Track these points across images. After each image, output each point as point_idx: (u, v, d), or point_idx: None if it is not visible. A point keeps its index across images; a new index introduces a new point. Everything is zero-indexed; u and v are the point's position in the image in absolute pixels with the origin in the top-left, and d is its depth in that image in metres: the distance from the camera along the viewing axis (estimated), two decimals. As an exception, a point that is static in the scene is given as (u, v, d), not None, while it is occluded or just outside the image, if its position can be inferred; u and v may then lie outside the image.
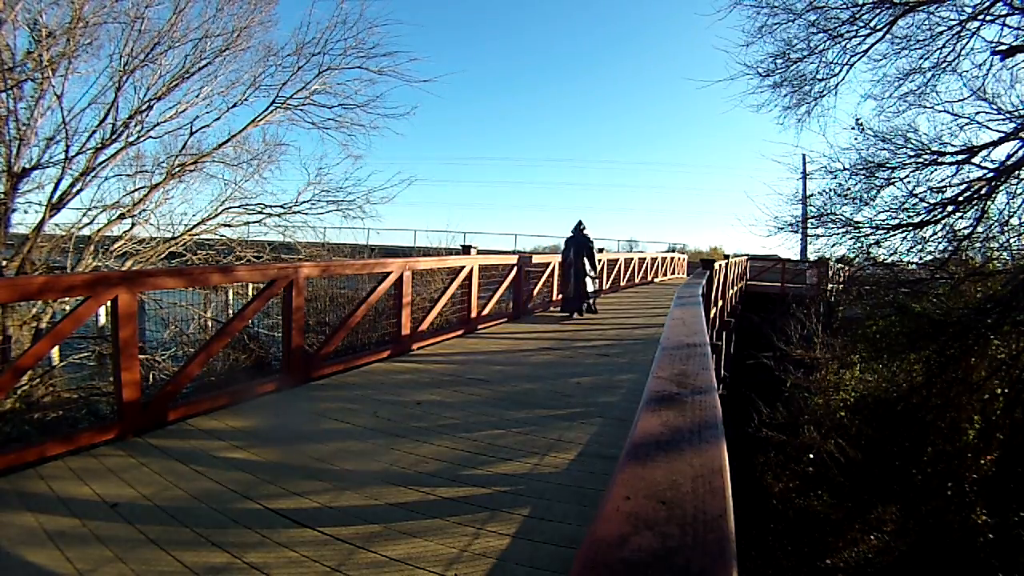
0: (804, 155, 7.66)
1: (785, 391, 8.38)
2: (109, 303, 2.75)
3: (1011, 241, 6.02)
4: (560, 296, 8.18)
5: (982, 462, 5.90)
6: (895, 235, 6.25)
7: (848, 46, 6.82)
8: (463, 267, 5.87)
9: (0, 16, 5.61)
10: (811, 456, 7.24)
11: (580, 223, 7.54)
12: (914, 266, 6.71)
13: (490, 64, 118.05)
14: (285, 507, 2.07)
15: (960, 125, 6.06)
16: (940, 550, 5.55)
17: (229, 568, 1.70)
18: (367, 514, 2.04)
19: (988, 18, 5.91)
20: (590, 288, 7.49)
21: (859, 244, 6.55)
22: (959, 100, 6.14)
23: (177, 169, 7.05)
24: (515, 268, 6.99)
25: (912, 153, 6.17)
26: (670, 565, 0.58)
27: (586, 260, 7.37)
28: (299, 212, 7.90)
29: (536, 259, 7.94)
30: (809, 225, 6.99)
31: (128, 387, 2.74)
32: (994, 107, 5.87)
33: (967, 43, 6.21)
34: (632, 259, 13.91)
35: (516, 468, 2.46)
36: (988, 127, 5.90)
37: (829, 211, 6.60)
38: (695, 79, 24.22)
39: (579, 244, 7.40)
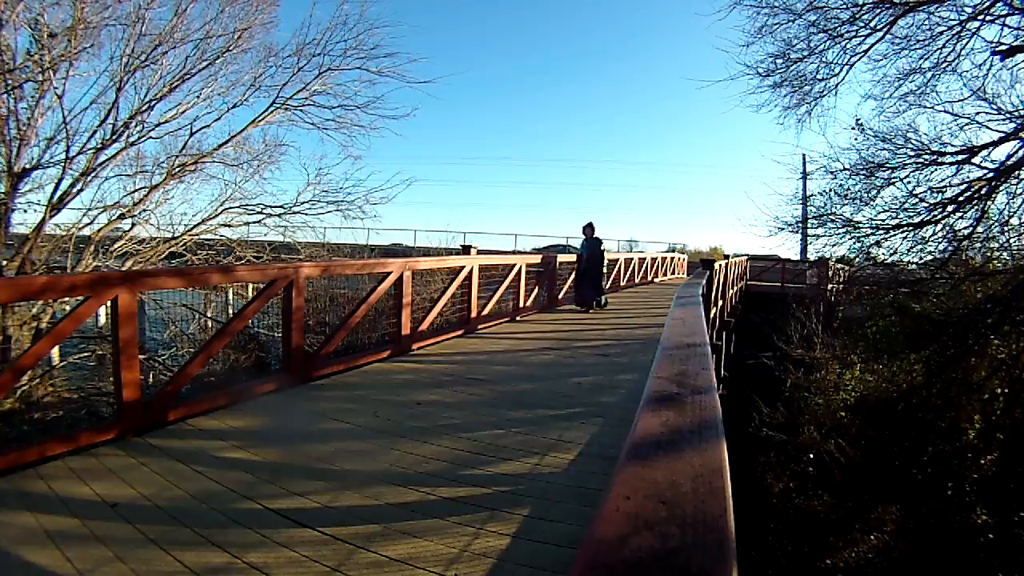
0: (804, 155, 7.71)
1: (785, 391, 8.38)
2: (109, 303, 2.74)
3: (1011, 241, 6.03)
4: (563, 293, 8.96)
5: (982, 462, 5.91)
6: (895, 235, 6.26)
7: (848, 46, 6.84)
8: (463, 267, 5.87)
9: (1, 16, 5.61)
10: (811, 456, 7.24)
11: (592, 225, 8.26)
12: (914, 266, 6.71)
13: (490, 65, 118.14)
14: (285, 507, 2.07)
15: (960, 125, 6.08)
16: (940, 550, 5.54)
17: (229, 568, 1.69)
18: (367, 514, 2.04)
19: (988, 18, 5.92)
20: (604, 284, 8.38)
21: (859, 244, 6.58)
22: (959, 100, 6.16)
23: (177, 169, 7.05)
24: (518, 268, 7.01)
25: (912, 153, 6.18)
26: (670, 565, 0.58)
27: (599, 259, 8.23)
28: (299, 212, 7.91)
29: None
30: (809, 225, 7.00)
31: (128, 387, 2.74)
32: (994, 107, 5.88)
33: (967, 43, 6.22)
34: (632, 259, 13.91)
35: (516, 468, 2.46)
36: (988, 127, 5.92)
37: (829, 211, 6.62)
38: (695, 79, 24.20)
39: (592, 245, 8.20)
